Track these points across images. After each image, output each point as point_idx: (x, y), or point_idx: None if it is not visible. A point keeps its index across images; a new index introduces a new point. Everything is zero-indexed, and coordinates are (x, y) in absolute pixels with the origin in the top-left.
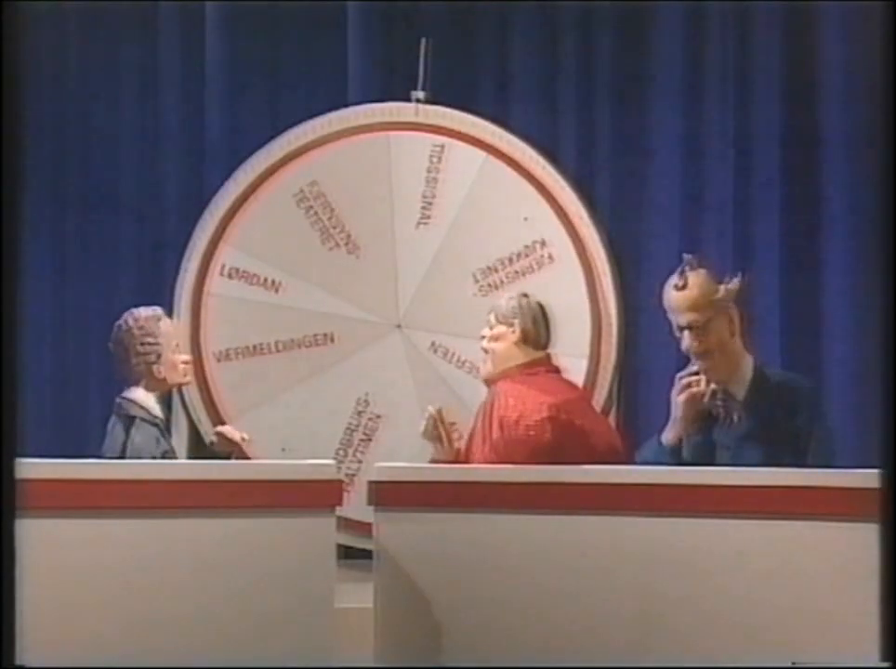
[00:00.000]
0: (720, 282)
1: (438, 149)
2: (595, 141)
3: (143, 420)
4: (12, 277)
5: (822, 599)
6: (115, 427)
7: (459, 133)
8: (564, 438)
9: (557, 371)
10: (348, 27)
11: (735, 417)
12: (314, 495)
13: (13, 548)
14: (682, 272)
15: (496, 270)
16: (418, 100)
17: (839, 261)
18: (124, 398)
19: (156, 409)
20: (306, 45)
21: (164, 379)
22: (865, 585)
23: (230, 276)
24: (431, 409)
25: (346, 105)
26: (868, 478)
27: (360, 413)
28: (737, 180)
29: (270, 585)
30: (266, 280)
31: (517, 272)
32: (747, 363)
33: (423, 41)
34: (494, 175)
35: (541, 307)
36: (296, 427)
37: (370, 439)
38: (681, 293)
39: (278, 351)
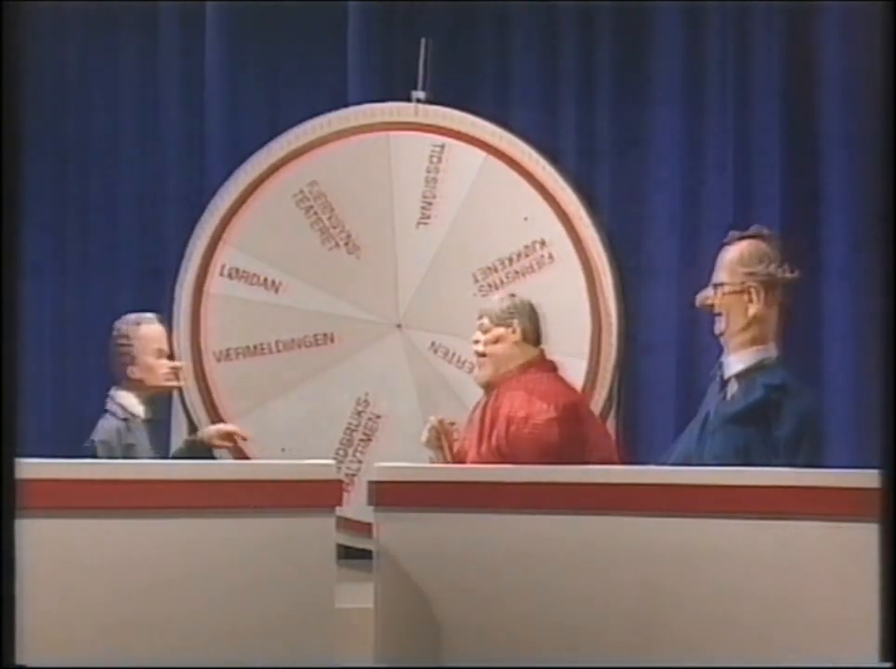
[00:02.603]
0: (771, 262)
1: (438, 149)
2: (595, 141)
3: (112, 414)
4: (12, 277)
5: (822, 599)
6: (108, 429)
7: (459, 133)
8: (569, 438)
9: (553, 368)
10: (348, 27)
11: (728, 394)
12: (314, 495)
13: (13, 548)
14: (743, 235)
15: (496, 270)
16: (418, 100)
17: (840, 261)
18: (114, 401)
19: (133, 407)
20: (306, 45)
21: (141, 380)
22: (865, 585)
23: (230, 276)
24: (433, 419)
25: (346, 105)
26: (868, 478)
27: (360, 412)
28: (737, 180)
29: (270, 585)
30: (266, 280)
31: (517, 272)
32: (762, 350)
33: (423, 41)
34: (494, 175)
35: (531, 304)
36: (295, 427)
37: (370, 439)
38: (725, 249)
39: (278, 351)
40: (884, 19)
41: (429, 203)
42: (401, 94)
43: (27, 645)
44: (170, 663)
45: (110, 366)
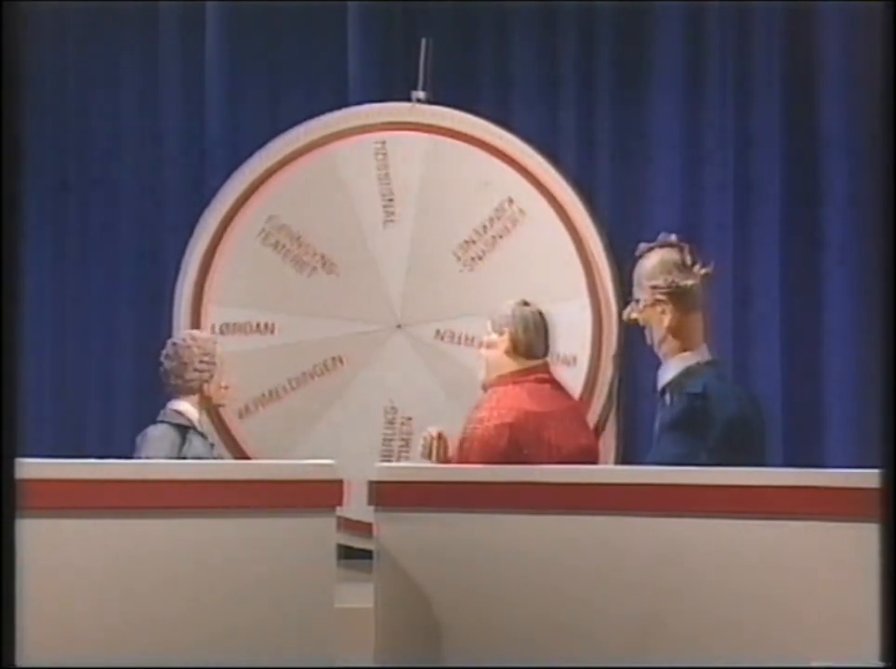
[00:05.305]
0: (675, 271)
1: (380, 145)
2: (595, 141)
3: (197, 432)
4: (13, 277)
5: (822, 599)
6: (167, 434)
7: (404, 124)
8: (522, 447)
9: (551, 380)
10: (348, 27)
11: (666, 401)
12: (314, 495)
13: (13, 548)
14: (651, 246)
15: (474, 242)
16: (418, 100)
17: (840, 260)
18: (173, 409)
19: (199, 424)
20: (306, 45)
21: (209, 398)
22: (865, 585)
23: (222, 333)
24: (432, 432)
25: (346, 105)
26: (868, 478)
27: (391, 421)
28: (737, 180)
29: (270, 585)
30: (258, 325)
31: (494, 237)
32: (688, 356)
33: (423, 41)
34: (442, 152)
35: (539, 315)
36: (332, 455)
37: (408, 443)
38: (638, 262)
39: (293, 389)
40: (884, 19)
41: (390, 201)
42: (401, 94)
43: (27, 645)
44: (170, 663)
45: (176, 379)
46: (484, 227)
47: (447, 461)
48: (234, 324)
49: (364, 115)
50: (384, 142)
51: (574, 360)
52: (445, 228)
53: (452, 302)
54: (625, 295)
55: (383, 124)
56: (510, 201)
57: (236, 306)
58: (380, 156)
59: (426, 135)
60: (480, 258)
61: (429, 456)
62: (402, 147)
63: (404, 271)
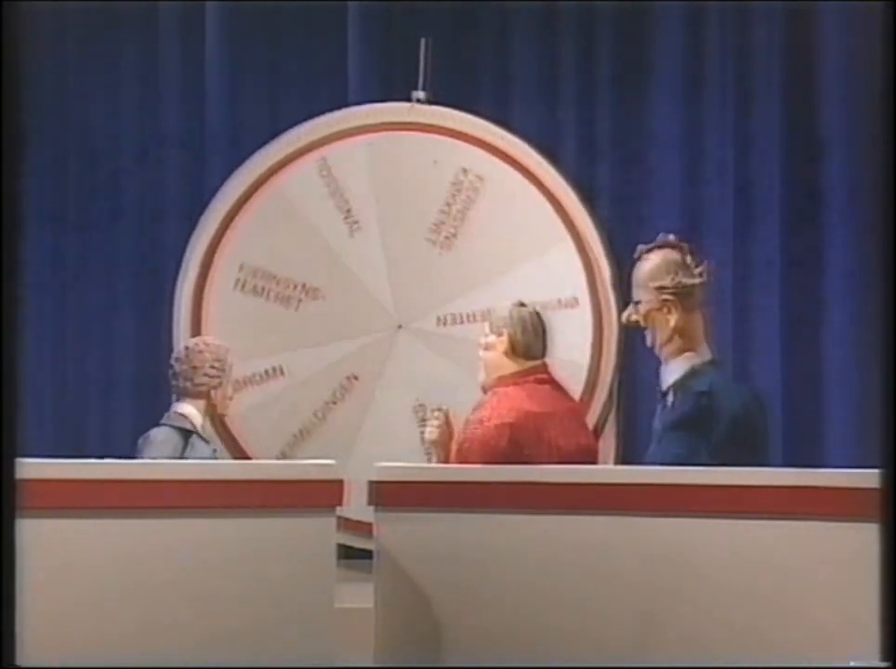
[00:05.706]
0: (679, 271)
1: (321, 162)
2: (595, 141)
3: (200, 437)
4: (12, 277)
5: (822, 599)
6: (171, 438)
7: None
8: (523, 447)
9: (550, 381)
10: (348, 27)
11: (669, 402)
12: (314, 495)
13: (13, 548)
14: (650, 247)
15: (443, 222)
16: (418, 100)
17: (840, 259)
18: (177, 412)
19: (202, 429)
20: (306, 45)
21: (215, 406)
22: (865, 585)
23: (235, 389)
24: (442, 413)
25: (346, 105)
26: (868, 478)
27: (423, 420)
28: (737, 177)
29: (270, 585)
30: (267, 371)
31: (460, 212)
32: (692, 356)
33: (423, 41)
34: (382, 150)
35: (537, 316)
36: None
37: None
38: (637, 264)
39: (320, 420)
40: (884, 19)
41: (348, 211)
42: (401, 94)
43: (27, 645)
44: (170, 663)
45: (185, 382)
46: (448, 204)
47: (451, 438)
48: (243, 379)
49: (364, 115)
50: (325, 158)
51: (576, 301)
52: (410, 218)
53: (441, 286)
54: (624, 289)
55: (383, 124)
56: (464, 171)
57: (239, 360)
58: (324, 173)
59: (361, 137)
60: (454, 236)
61: (434, 436)
62: (343, 156)
63: (385, 272)
